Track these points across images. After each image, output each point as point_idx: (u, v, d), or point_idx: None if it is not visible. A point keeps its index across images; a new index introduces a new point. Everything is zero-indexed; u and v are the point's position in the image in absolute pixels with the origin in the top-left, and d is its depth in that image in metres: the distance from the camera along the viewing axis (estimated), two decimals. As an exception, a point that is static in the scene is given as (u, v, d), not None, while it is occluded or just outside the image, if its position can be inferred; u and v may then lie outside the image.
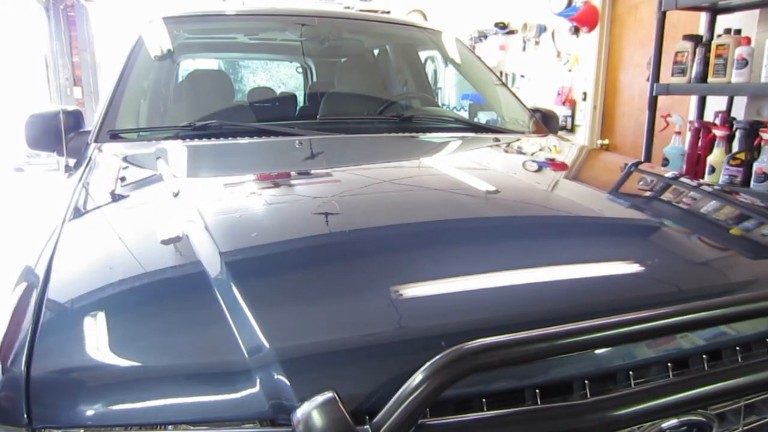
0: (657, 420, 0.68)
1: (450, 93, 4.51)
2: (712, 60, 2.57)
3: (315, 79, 2.95)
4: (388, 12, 5.73)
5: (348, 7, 6.07)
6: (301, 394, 0.59)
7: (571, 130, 4.26)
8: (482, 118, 2.14)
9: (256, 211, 1.04)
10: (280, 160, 1.45)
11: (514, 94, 2.20)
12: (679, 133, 2.86)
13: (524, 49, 4.72)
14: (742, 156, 2.46)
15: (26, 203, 5.43)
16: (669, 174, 1.55)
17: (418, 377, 0.56)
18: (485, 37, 5.12)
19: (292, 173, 1.32)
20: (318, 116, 1.73)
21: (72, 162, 1.56)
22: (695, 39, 2.75)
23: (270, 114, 2.00)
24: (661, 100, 2.93)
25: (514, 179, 1.30)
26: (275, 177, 1.29)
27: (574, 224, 1.05)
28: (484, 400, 0.64)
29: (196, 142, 1.50)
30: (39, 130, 1.63)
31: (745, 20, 2.72)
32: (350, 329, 0.70)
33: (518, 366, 0.66)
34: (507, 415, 0.61)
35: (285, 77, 3.78)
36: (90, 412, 0.61)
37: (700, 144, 2.74)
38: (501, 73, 4.88)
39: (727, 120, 2.66)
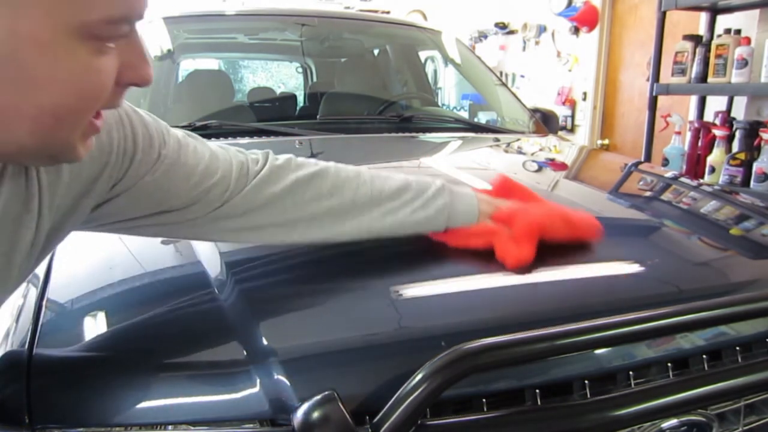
0: (657, 420, 0.68)
1: (450, 93, 4.51)
2: (712, 60, 2.57)
3: (315, 79, 2.95)
4: (388, 12, 5.73)
5: (348, 7, 6.07)
6: (301, 394, 0.59)
7: (571, 130, 4.26)
8: (482, 118, 2.14)
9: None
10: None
11: (514, 94, 2.20)
12: (679, 133, 2.86)
13: (524, 49, 4.72)
14: (742, 156, 2.46)
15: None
16: (669, 174, 1.55)
17: (418, 377, 0.56)
18: (485, 37, 5.12)
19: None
20: (318, 116, 1.73)
21: (72, 162, 1.56)
22: (695, 39, 2.75)
23: (270, 114, 2.00)
24: (661, 100, 2.93)
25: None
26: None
27: (574, 224, 1.05)
28: (484, 400, 0.64)
29: (196, 142, 1.50)
30: (39, 130, 1.63)
31: (745, 20, 2.72)
32: (350, 329, 0.70)
33: (518, 366, 0.66)
34: (507, 415, 0.61)
35: (285, 77, 3.77)
36: (90, 412, 0.60)
37: (700, 144, 2.74)
38: (501, 73, 4.88)
39: (727, 120, 2.65)
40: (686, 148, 2.80)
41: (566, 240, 0.86)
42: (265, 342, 0.65)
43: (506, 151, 1.64)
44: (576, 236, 0.87)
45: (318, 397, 0.57)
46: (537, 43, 4.57)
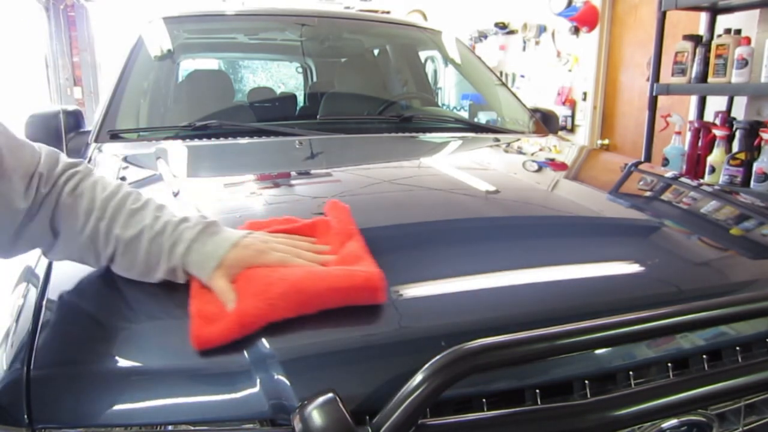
0: (657, 420, 0.68)
1: (450, 93, 4.51)
2: (712, 60, 2.57)
3: (315, 79, 2.95)
4: (388, 12, 5.73)
5: (348, 7, 6.07)
6: (301, 394, 0.59)
7: (571, 130, 4.26)
8: (482, 118, 2.14)
9: (256, 211, 1.04)
10: (280, 160, 1.45)
11: (514, 94, 2.20)
12: (679, 133, 2.86)
13: (524, 49, 4.72)
14: (742, 156, 2.46)
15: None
16: (669, 174, 1.55)
17: (418, 377, 0.56)
18: (485, 37, 5.12)
19: (292, 173, 1.32)
20: (318, 116, 1.73)
21: (72, 162, 1.56)
22: (695, 39, 2.75)
23: (270, 114, 2.00)
24: (661, 100, 2.93)
25: (514, 179, 1.30)
26: (275, 177, 1.29)
27: (574, 224, 1.05)
28: (484, 400, 0.64)
29: (196, 142, 1.50)
30: (39, 130, 1.63)
31: (745, 20, 2.73)
32: (350, 329, 0.70)
33: (518, 366, 0.66)
34: (507, 415, 0.61)
35: (285, 77, 3.78)
36: (90, 412, 0.61)
37: (700, 144, 2.74)
38: (501, 73, 4.88)
39: (727, 120, 2.65)
40: (686, 148, 2.80)
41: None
42: (265, 342, 0.65)
43: (506, 151, 1.64)
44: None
45: (318, 397, 0.57)
46: (537, 43, 4.57)
